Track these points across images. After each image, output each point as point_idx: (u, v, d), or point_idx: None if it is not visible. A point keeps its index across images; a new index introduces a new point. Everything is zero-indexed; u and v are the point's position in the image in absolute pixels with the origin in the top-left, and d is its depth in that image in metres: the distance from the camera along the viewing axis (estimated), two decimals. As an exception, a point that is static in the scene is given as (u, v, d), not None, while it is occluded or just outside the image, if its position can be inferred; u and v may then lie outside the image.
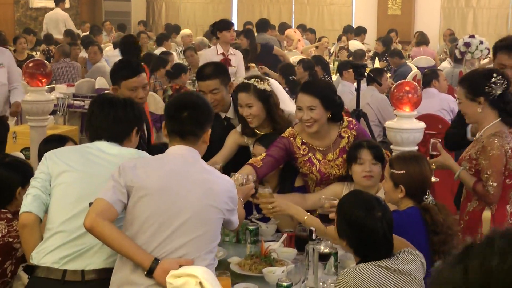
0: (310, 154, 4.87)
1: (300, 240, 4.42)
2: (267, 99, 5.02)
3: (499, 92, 4.66)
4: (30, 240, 3.77)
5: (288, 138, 4.88)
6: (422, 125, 6.71)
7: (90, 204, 3.49)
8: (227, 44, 9.69)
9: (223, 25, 9.71)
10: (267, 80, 5.16)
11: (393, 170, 4.13)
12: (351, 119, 5.00)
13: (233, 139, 5.24)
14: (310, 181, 4.98)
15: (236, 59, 9.75)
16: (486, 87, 4.65)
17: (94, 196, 3.56)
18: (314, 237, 4.19)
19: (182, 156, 3.61)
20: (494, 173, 4.65)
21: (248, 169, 4.68)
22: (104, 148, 3.84)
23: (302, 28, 17.44)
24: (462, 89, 4.73)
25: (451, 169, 4.74)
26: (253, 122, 5.03)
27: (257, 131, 5.11)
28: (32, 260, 3.70)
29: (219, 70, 5.37)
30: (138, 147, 4.17)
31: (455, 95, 9.17)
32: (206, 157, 5.55)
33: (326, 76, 11.22)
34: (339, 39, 16.10)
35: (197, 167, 3.62)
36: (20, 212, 3.78)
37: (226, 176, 3.80)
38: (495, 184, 4.66)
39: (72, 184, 3.73)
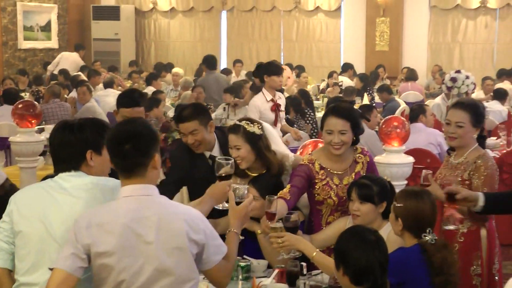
0: (328, 179, 4.98)
1: (291, 276, 4.41)
2: (256, 142, 5.04)
3: None
4: None
5: (307, 164, 5.00)
6: (410, 159, 6.76)
7: (50, 269, 3.36)
8: (273, 90, 8.90)
9: (273, 69, 8.88)
10: (258, 123, 5.18)
11: (394, 203, 4.24)
12: (362, 146, 5.19)
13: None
14: (324, 210, 5.05)
15: (283, 102, 9.22)
16: (486, 118, 5.16)
17: (52, 242, 3.51)
18: (305, 272, 4.21)
19: (135, 200, 3.38)
20: (489, 192, 4.83)
21: (281, 202, 4.64)
22: (61, 181, 3.69)
23: (289, 66, 17.54)
24: (467, 114, 5.01)
25: (438, 199, 4.80)
26: (242, 164, 5.05)
27: (248, 173, 5.12)
28: None
29: (197, 111, 5.42)
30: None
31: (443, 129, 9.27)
32: (191, 197, 5.56)
33: (310, 111, 11.23)
34: (330, 75, 16.18)
35: (152, 208, 3.38)
36: None
37: (187, 207, 3.58)
38: None
39: (28, 233, 3.61)
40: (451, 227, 4.69)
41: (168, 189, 5.36)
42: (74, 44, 20.75)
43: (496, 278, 5.02)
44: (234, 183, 4.40)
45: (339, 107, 5.07)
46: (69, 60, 18.54)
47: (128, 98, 5.56)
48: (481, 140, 5.12)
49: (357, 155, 5.07)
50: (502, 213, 5.00)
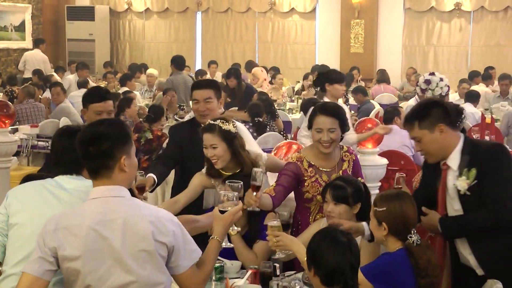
0: (316, 176, 5.06)
1: (264, 277, 4.43)
2: (232, 140, 5.04)
3: None
4: None
5: (296, 162, 5.07)
6: (384, 161, 6.81)
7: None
8: (336, 98, 8.09)
9: (335, 77, 8.16)
10: (233, 122, 5.19)
11: (375, 208, 4.20)
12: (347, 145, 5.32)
13: (199, 181, 5.20)
14: (313, 207, 5.10)
15: (347, 111, 8.96)
16: (463, 122, 4.94)
17: None
18: (278, 273, 4.21)
19: (102, 202, 3.35)
20: None
21: (266, 196, 4.73)
22: (62, 182, 3.76)
23: (264, 68, 17.56)
24: None
25: None
26: (218, 164, 5.03)
27: (223, 172, 5.09)
28: None
29: (214, 83, 5.94)
30: None
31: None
32: (187, 174, 5.54)
33: (270, 117, 10.96)
34: (305, 77, 16.20)
35: (119, 211, 3.33)
36: None
37: (157, 209, 3.48)
38: None
39: (24, 225, 3.66)
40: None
41: (163, 162, 5.70)
42: (47, 44, 20.56)
43: None
44: (217, 186, 4.40)
45: (327, 105, 5.22)
46: (35, 58, 18.33)
47: (96, 94, 5.81)
48: None
49: (344, 153, 5.18)
50: None
